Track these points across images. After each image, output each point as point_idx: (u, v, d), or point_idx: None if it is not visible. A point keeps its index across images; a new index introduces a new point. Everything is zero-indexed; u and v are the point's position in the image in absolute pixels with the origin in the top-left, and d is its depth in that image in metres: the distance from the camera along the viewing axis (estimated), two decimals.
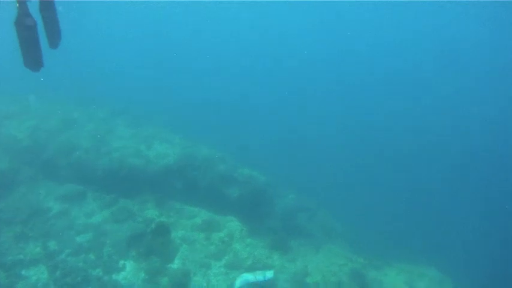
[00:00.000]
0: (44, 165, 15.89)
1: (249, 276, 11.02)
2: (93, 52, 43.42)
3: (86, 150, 16.11)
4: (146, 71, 38.98)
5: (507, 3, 25.52)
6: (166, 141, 17.33)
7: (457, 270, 15.07)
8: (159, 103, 25.77)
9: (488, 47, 44.01)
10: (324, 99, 37.93)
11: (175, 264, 12.83)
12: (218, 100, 31.04)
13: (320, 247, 14.70)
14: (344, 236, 16.84)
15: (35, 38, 4.37)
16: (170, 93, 31.88)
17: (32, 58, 4.44)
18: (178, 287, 12.16)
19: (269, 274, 9.15)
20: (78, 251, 12.80)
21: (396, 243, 16.85)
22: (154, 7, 40.77)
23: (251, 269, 12.85)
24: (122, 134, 17.75)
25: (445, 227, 20.48)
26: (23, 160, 15.79)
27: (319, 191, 19.09)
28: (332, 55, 53.85)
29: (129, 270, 12.48)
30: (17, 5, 4.24)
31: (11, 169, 15.16)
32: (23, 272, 12.01)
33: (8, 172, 15.00)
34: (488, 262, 18.32)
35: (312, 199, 18.68)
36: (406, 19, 40.99)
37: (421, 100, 40.22)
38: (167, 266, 12.73)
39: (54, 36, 4.83)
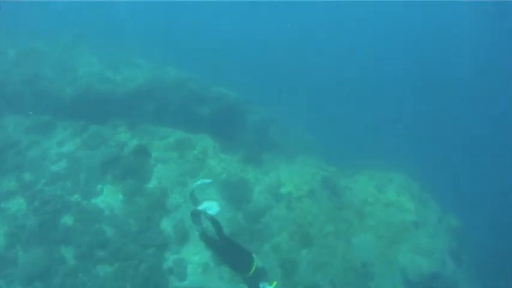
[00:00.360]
0: (7, 99, 15.52)
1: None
2: None
3: (51, 79, 15.76)
4: None
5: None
6: (134, 65, 17.01)
7: (424, 175, 15.75)
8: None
9: None
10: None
11: (152, 184, 13.18)
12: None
13: (293, 158, 15.06)
14: (316, 147, 17.22)
15: None
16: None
17: None
18: (156, 206, 12.61)
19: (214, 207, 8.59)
20: (54, 179, 13.05)
21: (366, 152, 17.30)
22: None
23: (225, 183, 13.20)
24: (88, 61, 17.36)
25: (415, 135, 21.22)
26: None
27: (291, 105, 19.22)
28: None
29: (107, 193, 12.86)
30: None
31: None
32: (2, 205, 12.34)
33: None
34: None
35: (283, 113, 18.83)
36: None
37: None
38: (144, 186, 13.09)
39: None
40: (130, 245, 11.70)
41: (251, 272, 7.86)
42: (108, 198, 12.72)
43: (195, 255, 11.92)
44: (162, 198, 12.81)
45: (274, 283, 7.87)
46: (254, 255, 7.96)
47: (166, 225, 12.32)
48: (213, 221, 7.95)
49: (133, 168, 13.24)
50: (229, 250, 8.19)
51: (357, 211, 13.69)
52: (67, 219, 12.14)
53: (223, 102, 15.89)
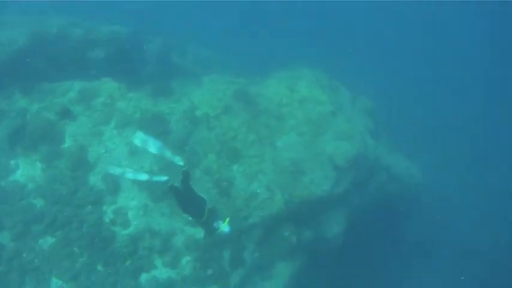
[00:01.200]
0: None
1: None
2: None
3: None
4: None
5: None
6: (8, 24, 15.42)
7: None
8: None
9: None
10: None
11: (67, 143, 12.74)
12: None
13: (201, 80, 14.96)
14: (220, 64, 17.11)
15: None
16: None
17: None
18: (78, 163, 12.32)
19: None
20: None
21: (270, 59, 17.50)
22: None
23: (141, 121, 13.04)
24: None
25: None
26: None
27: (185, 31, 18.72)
28: None
29: (23, 166, 12.28)
30: None
31: None
32: None
33: None
34: None
35: (179, 38, 18.32)
36: None
37: None
38: (60, 148, 12.63)
39: None
40: (65, 209, 11.52)
41: (205, 216, 8.41)
42: (27, 170, 12.21)
43: (132, 200, 12.03)
44: (82, 154, 12.51)
45: (227, 220, 8.59)
46: (207, 200, 8.53)
47: (95, 179, 12.17)
48: (184, 172, 8.37)
49: (43, 134, 12.65)
50: (188, 199, 8.68)
51: (274, 115, 14.12)
52: None
53: (117, 39, 15.13)
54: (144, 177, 8.98)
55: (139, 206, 11.90)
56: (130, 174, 9.18)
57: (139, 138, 9.19)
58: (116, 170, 9.63)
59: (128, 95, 13.75)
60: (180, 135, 13.18)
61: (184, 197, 8.59)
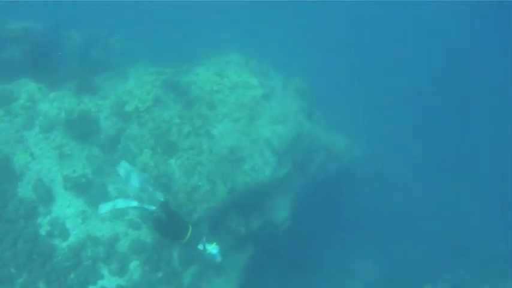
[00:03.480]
0: None
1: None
2: None
3: None
4: None
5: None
6: None
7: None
8: None
9: None
10: None
11: None
12: None
13: (127, 73, 14.32)
14: (146, 55, 16.51)
15: None
16: None
17: None
18: (3, 174, 11.54)
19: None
20: None
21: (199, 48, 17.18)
22: None
23: (67, 123, 12.37)
24: None
25: None
26: None
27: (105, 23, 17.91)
28: None
29: None
30: None
31: None
32: None
33: None
34: None
35: (101, 30, 17.47)
36: None
37: None
38: None
39: None
40: None
41: (186, 239, 9.20)
42: None
43: (68, 207, 11.42)
44: (7, 164, 11.70)
45: (214, 244, 9.71)
46: (190, 225, 9.41)
47: (24, 190, 11.43)
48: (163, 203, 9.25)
49: None
50: (170, 224, 9.50)
51: (207, 103, 13.88)
52: None
53: (31, 36, 14.12)
54: (134, 203, 9.38)
55: (77, 213, 11.34)
56: (121, 203, 9.59)
57: (123, 168, 9.74)
58: (108, 205, 9.74)
59: (49, 95, 12.93)
60: (110, 133, 12.67)
61: (166, 224, 9.36)
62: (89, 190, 11.65)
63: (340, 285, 19.07)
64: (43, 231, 10.94)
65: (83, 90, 13.23)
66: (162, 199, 9.35)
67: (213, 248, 9.73)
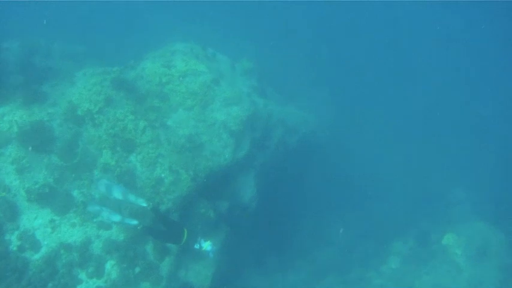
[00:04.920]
0: None
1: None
2: None
3: None
4: None
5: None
6: None
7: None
8: None
9: None
10: None
11: None
12: None
13: (73, 77, 14.18)
14: (90, 56, 16.33)
15: None
16: None
17: None
18: None
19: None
20: None
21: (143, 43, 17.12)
22: None
23: (21, 136, 12.19)
24: None
25: None
26: None
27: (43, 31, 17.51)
28: None
29: None
30: None
31: None
32: None
33: None
34: None
35: (40, 38, 17.07)
36: None
37: None
38: None
39: None
40: None
41: (183, 241, 10.21)
42: None
43: (36, 219, 11.41)
44: None
45: (208, 242, 10.90)
46: (184, 227, 10.38)
47: None
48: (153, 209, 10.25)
49: None
50: (164, 229, 10.38)
51: (158, 95, 13.97)
52: None
53: None
54: (117, 218, 10.10)
55: (45, 223, 11.36)
56: (105, 214, 10.29)
57: (103, 184, 10.63)
58: (95, 208, 10.65)
59: None
60: (67, 139, 12.59)
61: (160, 230, 10.13)
62: (54, 199, 11.62)
63: (316, 251, 19.60)
64: (14, 247, 10.91)
65: (31, 101, 13.01)
66: (145, 204, 9.86)
67: (207, 245, 10.87)
